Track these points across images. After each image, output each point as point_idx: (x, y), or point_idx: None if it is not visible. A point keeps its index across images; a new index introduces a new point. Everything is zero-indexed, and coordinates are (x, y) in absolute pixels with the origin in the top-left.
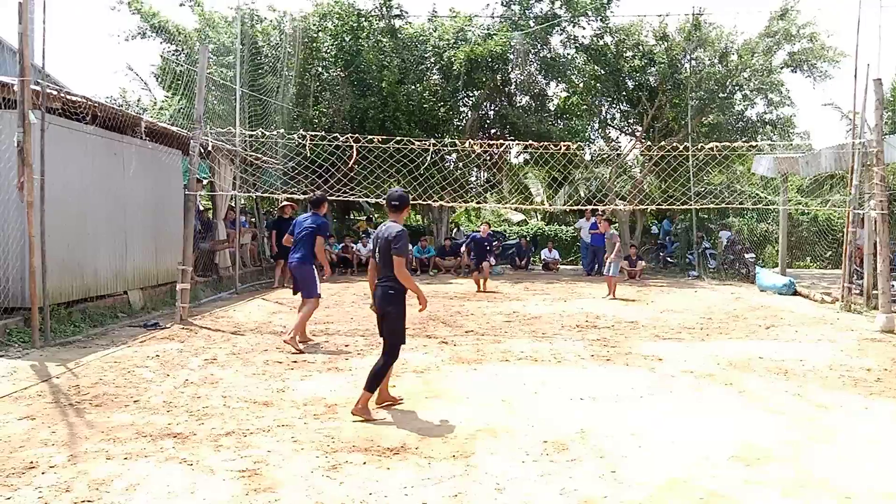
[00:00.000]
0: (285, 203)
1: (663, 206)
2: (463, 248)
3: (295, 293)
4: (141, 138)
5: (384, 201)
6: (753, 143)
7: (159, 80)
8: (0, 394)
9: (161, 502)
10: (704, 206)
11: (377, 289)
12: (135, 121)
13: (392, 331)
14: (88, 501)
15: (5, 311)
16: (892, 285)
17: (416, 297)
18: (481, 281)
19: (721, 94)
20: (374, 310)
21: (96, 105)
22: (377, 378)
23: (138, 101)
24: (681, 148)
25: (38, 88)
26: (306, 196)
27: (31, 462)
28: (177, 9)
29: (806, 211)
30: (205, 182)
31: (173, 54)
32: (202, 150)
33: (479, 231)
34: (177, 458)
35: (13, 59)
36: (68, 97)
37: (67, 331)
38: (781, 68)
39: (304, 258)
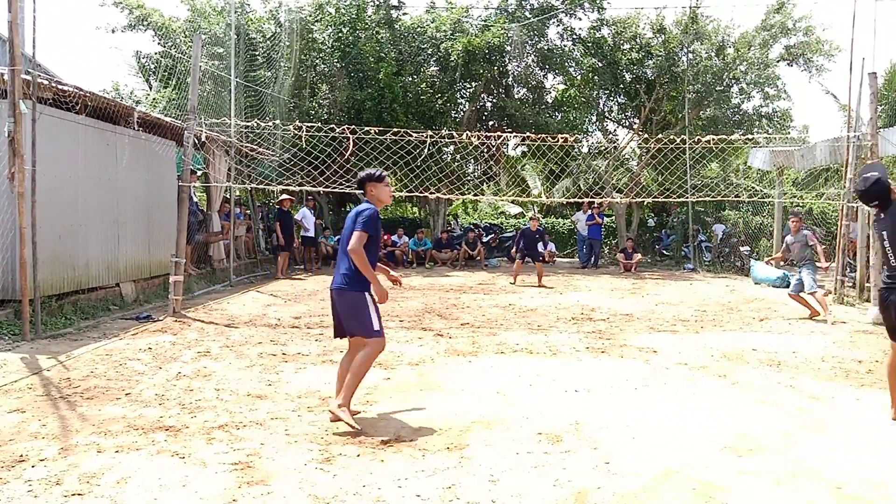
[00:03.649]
0: (283, 196)
1: (660, 199)
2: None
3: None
4: (134, 129)
5: None
6: (750, 137)
7: (146, 71)
8: None
9: (153, 495)
10: (701, 199)
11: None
12: (127, 111)
13: None
14: (79, 495)
15: None
16: None
17: None
18: (520, 274)
19: (718, 88)
20: None
21: (87, 95)
22: None
23: (132, 93)
24: (678, 141)
25: (28, 78)
26: (302, 188)
27: (21, 455)
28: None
29: (801, 204)
30: (199, 173)
31: (164, 46)
32: (196, 141)
33: (527, 225)
34: (169, 450)
35: (2, 48)
36: (59, 87)
37: (58, 323)
38: (777, 62)
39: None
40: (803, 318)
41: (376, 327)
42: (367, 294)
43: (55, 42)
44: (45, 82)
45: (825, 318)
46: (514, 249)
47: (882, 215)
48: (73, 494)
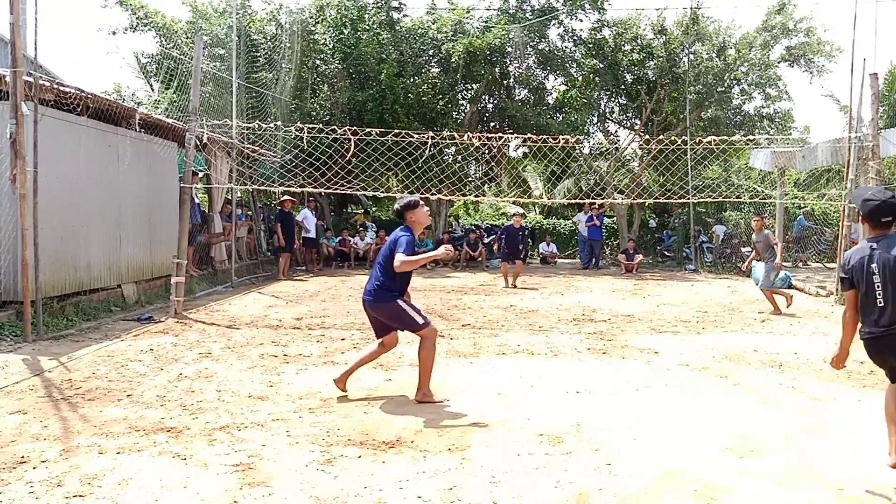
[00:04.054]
0: (285, 197)
1: (661, 200)
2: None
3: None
4: (136, 130)
5: None
6: (751, 137)
7: (147, 73)
8: None
9: (154, 497)
10: (702, 200)
11: (885, 341)
12: (129, 112)
13: None
14: (80, 496)
15: None
16: None
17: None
18: (510, 276)
19: (719, 89)
20: (838, 365)
21: (89, 96)
22: None
23: (133, 94)
24: (679, 142)
25: (30, 79)
26: (303, 189)
27: (23, 457)
28: (169, 1)
29: (802, 205)
30: (201, 175)
31: (165, 48)
32: (198, 143)
33: (510, 222)
34: (170, 452)
35: (5, 50)
36: (61, 88)
37: (60, 324)
38: (779, 62)
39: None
40: (789, 317)
41: (420, 321)
42: (398, 301)
43: (57, 44)
44: (47, 84)
45: (780, 312)
46: (495, 247)
47: (875, 246)
48: (75, 496)
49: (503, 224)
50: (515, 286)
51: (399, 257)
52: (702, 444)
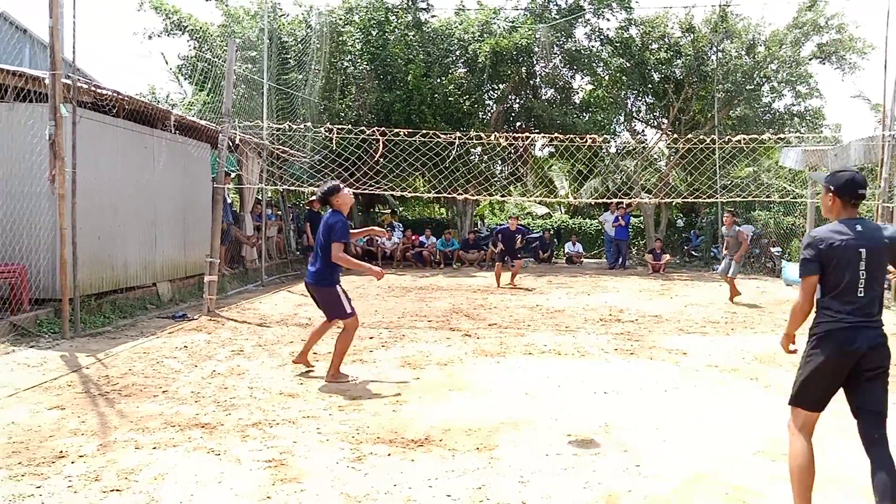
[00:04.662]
0: (314, 197)
1: (689, 200)
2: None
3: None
4: (171, 132)
5: None
6: (781, 136)
7: (184, 76)
8: (30, 384)
9: (189, 491)
10: (731, 200)
11: (862, 332)
12: (164, 114)
13: None
14: (117, 490)
15: (36, 302)
16: None
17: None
18: (504, 275)
19: (748, 87)
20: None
21: (126, 99)
22: None
23: (167, 96)
24: (707, 141)
25: (68, 82)
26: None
27: (61, 451)
28: (201, 5)
29: None
30: (233, 175)
31: (198, 50)
32: (230, 144)
33: (506, 224)
34: (204, 447)
35: (44, 54)
36: (98, 91)
37: (97, 322)
38: (809, 60)
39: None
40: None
41: (348, 310)
42: (336, 287)
43: (94, 47)
44: (85, 86)
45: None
46: (494, 248)
47: (861, 228)
48: (112, 490)
49: (529, 224)
50: (514, 285)
51: (336, 249)
52: (733, 447)
